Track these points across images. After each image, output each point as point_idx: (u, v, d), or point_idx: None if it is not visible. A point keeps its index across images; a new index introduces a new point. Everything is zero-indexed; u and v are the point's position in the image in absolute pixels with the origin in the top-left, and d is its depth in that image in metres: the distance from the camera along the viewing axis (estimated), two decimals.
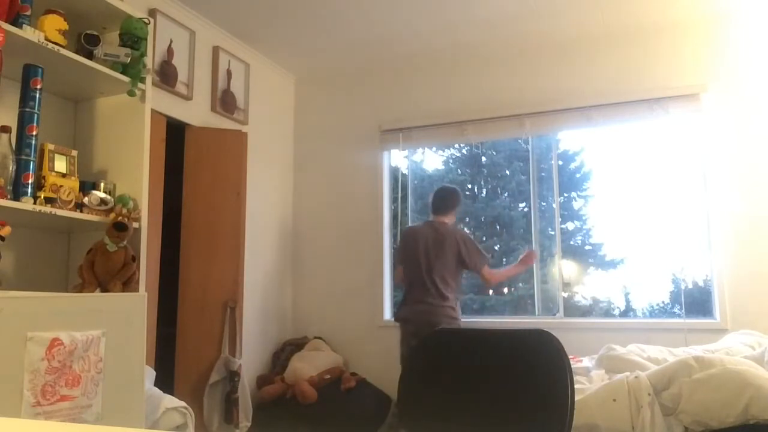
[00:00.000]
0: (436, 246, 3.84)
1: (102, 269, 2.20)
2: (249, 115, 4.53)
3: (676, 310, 4.20)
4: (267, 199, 4.73)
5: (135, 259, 2.31)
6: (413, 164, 5.15)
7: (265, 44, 4.52)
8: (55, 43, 2.14)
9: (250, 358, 4.29)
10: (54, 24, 2.17)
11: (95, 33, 2.33)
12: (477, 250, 3.88)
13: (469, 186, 5.15)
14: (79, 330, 1.93)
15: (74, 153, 2.27)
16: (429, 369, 1.83)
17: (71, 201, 2.17)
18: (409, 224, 4.80)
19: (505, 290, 4.80)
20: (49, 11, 2.19)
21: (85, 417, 1.93)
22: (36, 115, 2.08)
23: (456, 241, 3.84)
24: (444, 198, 3.99)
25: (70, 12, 2.28)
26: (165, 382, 3.18)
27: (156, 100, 3.48)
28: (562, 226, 4.46)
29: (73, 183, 2.22)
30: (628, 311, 4.41)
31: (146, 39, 2.46)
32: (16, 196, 2.00)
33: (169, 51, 3.80)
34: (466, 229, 4.92)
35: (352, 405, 4.08)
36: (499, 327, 3.87)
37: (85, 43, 2.29)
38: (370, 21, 4.11)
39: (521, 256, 4.08)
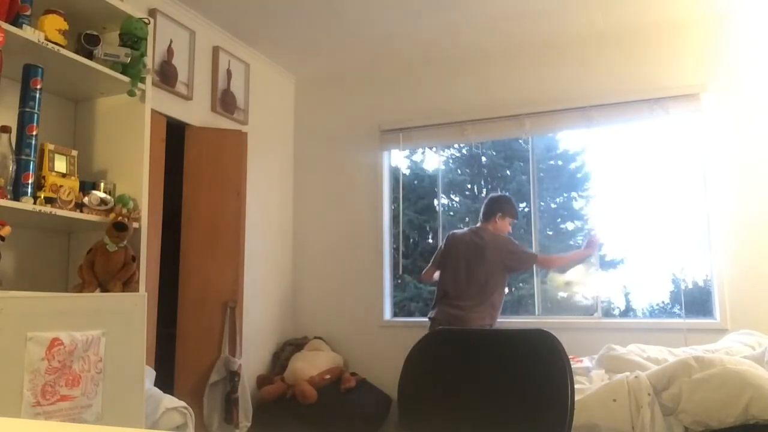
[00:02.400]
0: (477, 253, 3.86)
1: (102, 269, 2.20)
2: (249, 115, 4.53)
3: (676, 310, 4.21)
4: (267, 199, 4.73)
5: (135, 259, 2.31)
6: (413, 164, 5.16)
7: (265, 44, 4.52)
8: (55, 43, 2.14)
9: (250, 358, 4.28)
10: (54, 24, 2.17)
11: (95, 33, 2.33)
12: (521, 253, 3.90)
13: (469, 186, 5.16)
14: (79, 330, 1.93)
15: (74, 153, 2.27)
16: (429, 369, 1.83)
17: (71, 201, 2.17)
18: (407, 227, 4.82)
19: (506, 290, 4.80)
20: (49, 11, 2.19)
21: (85, 417, 1.93)
22: (36, 115, 2.08)
23: (498, 250, 3.84)
24: (487, 205, 4.03)
25: (70, 12, 2.28)
26: (165, 382, 3.18)
27: (156, 100, 3.48)
28: (562, 226, 4.45)
29: (73, 183, 2.22)
30: (628, 311, 4.41)
31: (146, 39, 2.45)
32: (16, 196, 2.00)
33: (169, 51, 3.80)
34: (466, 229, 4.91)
35: (352, 405, 4.08)
36: (499, 327, 3.88)
37: (85, 43, 2.29)
38: (370, 21, 4.11)
39: (586, 242, 4.08)
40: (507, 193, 4.30)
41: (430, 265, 4.17)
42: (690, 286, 4.17)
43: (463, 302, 3.80)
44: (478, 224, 4.04)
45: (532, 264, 3.99)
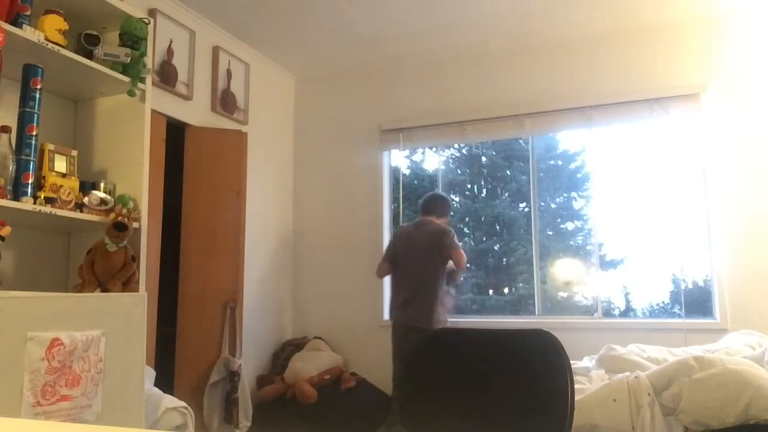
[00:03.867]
0: (424, 242, 3.85)
1: (102, 269, 2.20)
2: (249, 115, 4.53)
3: (676, 310, 4.20)
4: (267, 199, 4.73)
5: (135, 259, 2.31)
6: (413, 164, 5.15)
7: (265, 44, 4.52)
8: (55, 43, 2.14)
9: (250, 358, 4.28)
10: (54, 24, 2.17)
11: (95, 33, 2.33)
12: (454, 241, 3.86)
13: (469, 186, 5.15)
14: (79, 330, 1.92)
15: (74, 153, 2.26)
16: (429, 369, 1.83)
17: (71, 201, 2.17)
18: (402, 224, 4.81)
19: (506, 290, 4.80)
20: (49, 11, 2.19)
21: (85, 417, 1.93)
22: (36, 115, 2.08)
23: (440, 233, 3.85)
24: (432, 202, 4.05)
25: (70, 12, 2.28)
26: (165, 382, 3.17)
27: (156, 100, 3.48)
28: (562, 226, 4.45)
29: (73, 183, 2.22)
30: (628, 311, 4.41)
31: (146, 39, 2.45)
32: (16, 196, 2.00)
33: (169, 51, 3.79)
34: (465, 229, 4.93)
35: (352, 405, 4.08)
36: (499, 327, 3.88)
37: (85, 43, 2.28)
38: (370, 21, 4.11)
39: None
40: (441, 192, 4.24)
41: (383, 261, 4.11)
42: (690, 286, 4.17)
43: (417, 296, 3.78)
44: (420, 218, 4.03)
45: (456, 249, 3.83)
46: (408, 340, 3.67)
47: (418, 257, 3.85)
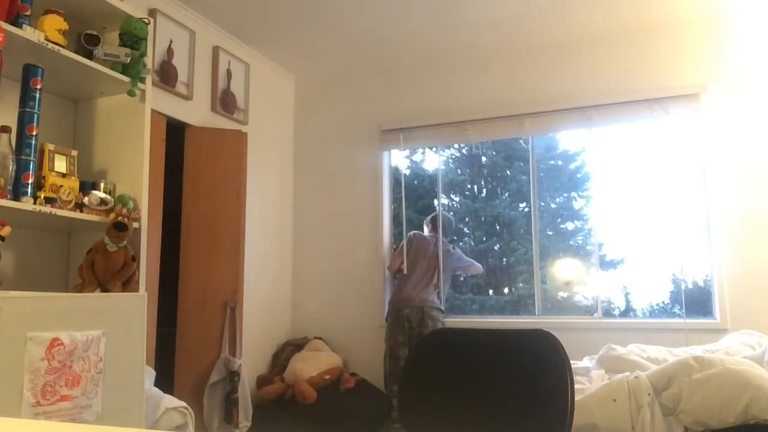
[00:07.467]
0: (433, 249, 4.39)
1: (102, 269, 2.20)
2: (249, 115, 4.53)
3: (676, 310, 4.21)
4: (267, 199, 4.73)
5: (135, 259, 2.31)
6: (413, 164, 5.15)
7: (265, 44, 4.52)
8: (55, 43, 2.14)
9: (250, 358, 4.28)
10: (54, 24, 2.17)
11: (95, 33, 2.33)
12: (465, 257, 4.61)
13: (469, 186, 5.16)
14: (79, 330, 1.93)
15: (74, 153, 2.26)
16: (429, 368, 1.83)
17: (71, 201, 2.17)
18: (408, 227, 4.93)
19: (506, 290, 4.80)
20: (49, 11, 2.19)
21: (85, 417, 1.93)
22: (36, 115, 2.08)
23: (448, 252, 4.51)
24: (445, 222, 4.53)
25: (70, 12, 2.28)
26: (165, 382, 3.18)
27: (156, 100, 3.48)
28: (562, 226, 4.45)
29: (73, 183, 2.22)
30: (628, 311, 4.41)
31: (146, 39, 2.45)
32: (16, 196, 2.00)
33: (169, 51, 3.79)
34: (465, 229, 4.94)
35: (352, 405, 4.08)
36: (498, 327, 3.88)
37: (85, 43, 2.28)
38: (370, 21, 4.11)
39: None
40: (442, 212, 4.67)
41: (397, 257, 4.53)
42: (690, 286, 4.17)
43: (426, 293, 4.31)
44: (432, 233, 4.53)
45: (477, 267, 4.69)
46: (425, 323, 4.17)
47: (432, 261, 4.42)
